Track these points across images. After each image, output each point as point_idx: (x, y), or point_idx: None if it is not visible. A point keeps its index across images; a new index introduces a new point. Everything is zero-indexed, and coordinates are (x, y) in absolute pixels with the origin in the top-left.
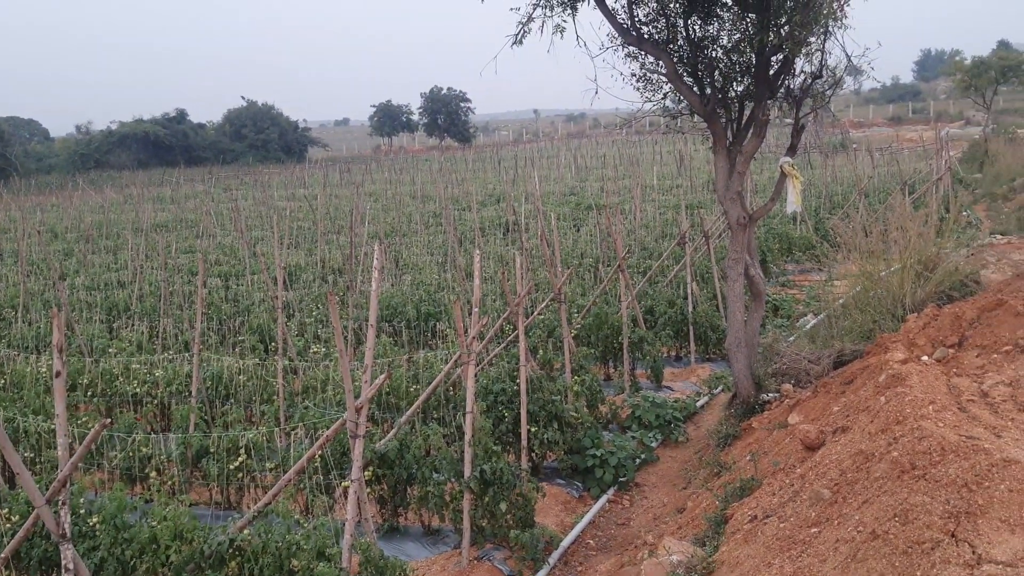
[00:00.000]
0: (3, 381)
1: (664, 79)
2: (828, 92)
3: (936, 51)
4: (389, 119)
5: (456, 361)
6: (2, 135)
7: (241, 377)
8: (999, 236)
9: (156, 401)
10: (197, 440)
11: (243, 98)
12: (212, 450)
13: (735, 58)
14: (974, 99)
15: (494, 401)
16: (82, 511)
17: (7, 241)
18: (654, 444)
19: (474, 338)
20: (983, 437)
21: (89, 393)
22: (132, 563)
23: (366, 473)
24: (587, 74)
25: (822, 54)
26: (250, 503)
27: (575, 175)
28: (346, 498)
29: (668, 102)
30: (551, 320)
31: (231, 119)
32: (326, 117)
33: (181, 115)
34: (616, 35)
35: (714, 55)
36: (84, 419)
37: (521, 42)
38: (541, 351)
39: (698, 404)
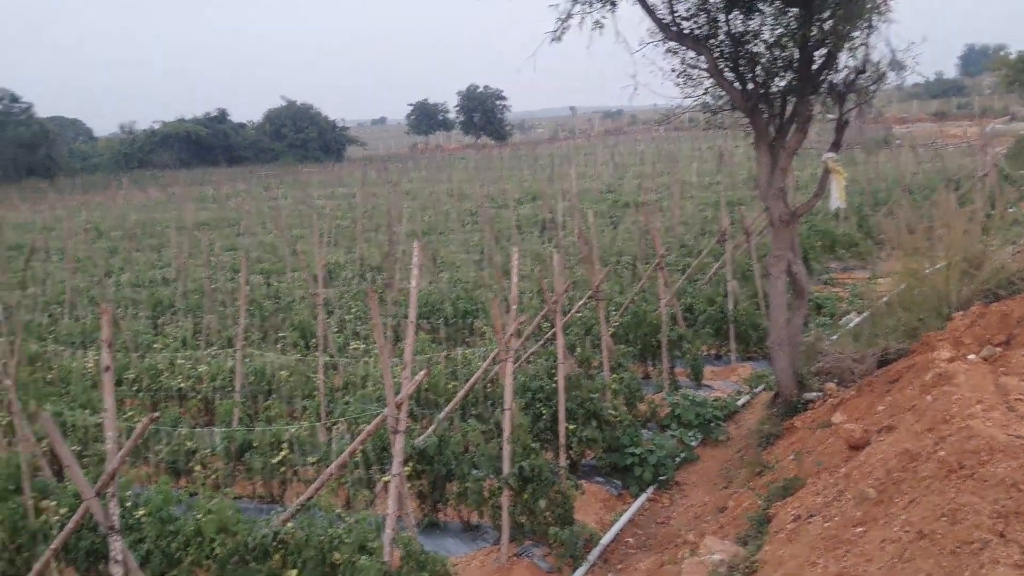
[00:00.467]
0: (51, 376)
1: (705, 74)
2: (871, 87)
3: (980, 46)
4: (426, 118)
5: (494, 358)
6: (48, 135)
7: (283, 373)
8: None
9: (200, 396)
10: (241, 434)
11: (283, 98)
12: (255, 444)
13: (777, 53)
14: (1020, 94)
15: (532, 398)
16: (129, 504)
17: (54, 239)
18: (694, 443)
19: (512, 335)
20: None
21: (135, 388)
22: (178, 555)
23: (406, 469)
24: (626, 70)
25: (866, 49)
26: (293, 497)
27: (612, 172)
28: (387, 493)
29: (709, 98)
30: (589, 318)
31: (271, 119)
32: (364, 116)
33: (222, 115)
34: (656, 30)
35: (756, 50)
36: (130, 413)
37: (560, 39)
38: (579, 349)
39: (739, 403)
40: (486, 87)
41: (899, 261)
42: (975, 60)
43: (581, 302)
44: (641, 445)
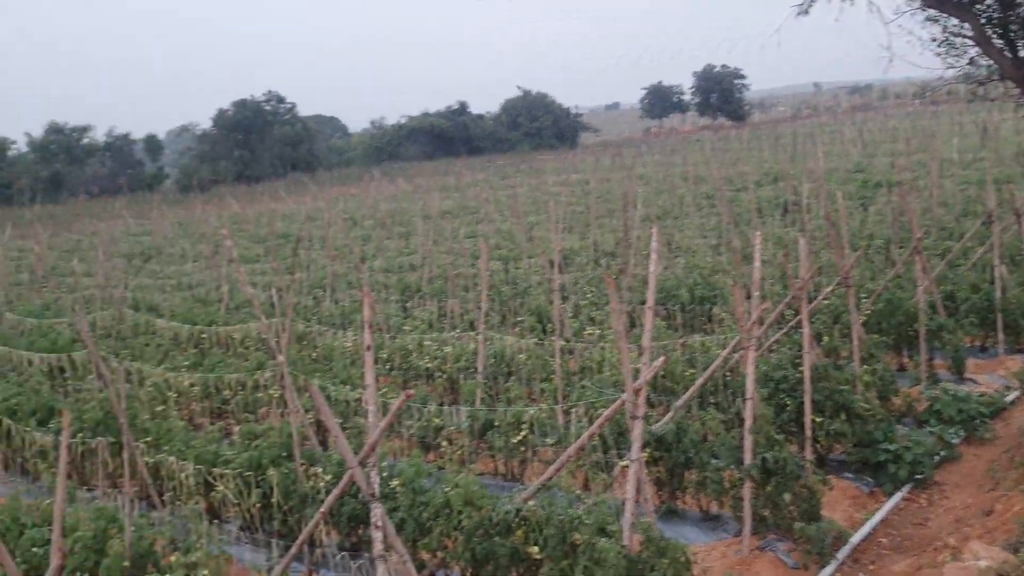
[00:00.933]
0: (315, 354)
1: (969, 42)
2: None
3: None
4: (660, 100)
5: (735, 346)
6: (309, 132)
7: (521, 356)
8: None
9: (446, 376)
10: (483, 414)
11: (519, 88)
12: (497, 424)
13: None
14: None
15: (775, 388)
16: (384, 474)
17: (315, 229)
18: (955, 440)
19: (754, 323)
20: None
21: (388, 366)
22: (428, 525)
23: (643, 454)
24: (878, 42)
25: None
26: (532, 476)
27: (861, 150)
28: (625, 477)
29: (973, 68)
30: (837, 306)
31: (507, 109)
32: (597, 102)
33: (462, 107)
34: None
35: None
36: (384, 390)
37: (807, 12)
38: (826, 338)
39: (1007, 399)
40: (723, 66)
41: None
42: None
43: (828, 289)
44: (896, 441)
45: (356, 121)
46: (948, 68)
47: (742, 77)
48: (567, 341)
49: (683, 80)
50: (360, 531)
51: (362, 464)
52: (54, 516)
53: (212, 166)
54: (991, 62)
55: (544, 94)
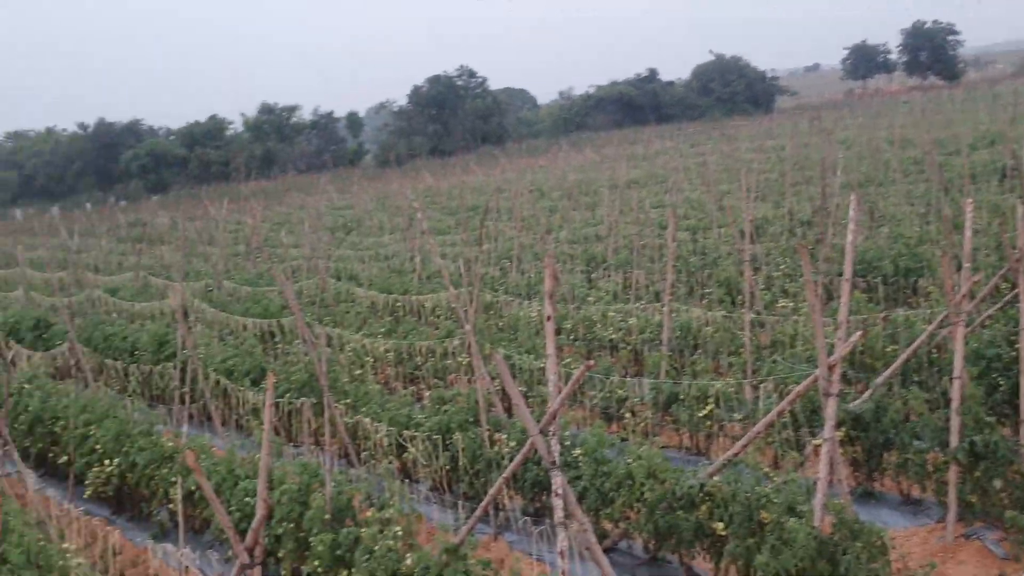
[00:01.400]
0: (501, 323)
1: None
2: None
3: None
4: (864, 60)
5: (942, 322)
6: (499, 105)
7: (708, 328)
8: None
9: (630, 347)
10: (668, 387)
11: (711, 53)
12: (682, 397)
13: None
14: None
15: (987, 367)
16: (567, 443)
17: (503, 200)
18: None
19: (964, 296)
20: None
21: (571, 337)
22: (610, 495)
23: (838, 434)
24: None
25: None
26: (718, 451)
27: None
28: (817, 456)
29: None
30: None
31: (698, 75)
32: (795, 64)
33: (652, 75)
34: None
35: None
36: (567, 360)
37: None
38: None
39: None
40: (935, 22)
41: None
42: None
43: None
44: None
45: (545, 93)
46: None
47: (955, 33)
48: (757, 314)
49: (889, 38)
50: (543, 497)
51: (543, 433)
52: (259, 471)
53: (408, 141)
54: None
55: (738, 58)
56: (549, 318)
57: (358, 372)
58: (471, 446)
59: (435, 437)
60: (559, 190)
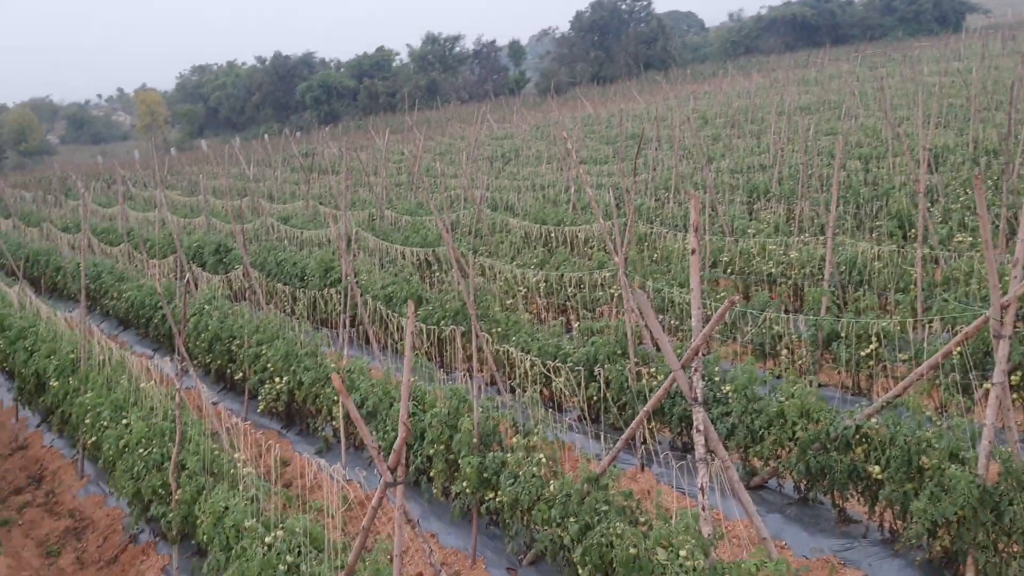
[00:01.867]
0: (655, 255)
1: None
2: None
3: None
4: None
5: None
6: (664, 29)
7: (876, 263)
8: None
9: (790, 282)
10: (828, 323)
11: None
12: (842, 335)
13: None
14: None
15: None
16: (716, 379)
17: (664, 128)
18: None
19: None
20: None
21: (728, 270)
22: (760, 433)
23: (1012, 378)
24: None
25: None
26: (879, 392)
27: None
28: (986, 401)
29: None
30: None
31: None
32: None
33: None
34: None
35: None
36: (722, 294)
37: None
38: None
39: None
40: None
41: None
42: None
43: None
44: None
45: (713, 15)
46: None
47: None
48: (931, 249)
49: None
50: (690, 432)
51: (684, 368)
52: (402, 394)
53: (570, 68)
54: None
55: None
56: (694, 251)
57: (509, 302)
58: (617, 378)
59: (579, 368)
60: (723, 117)
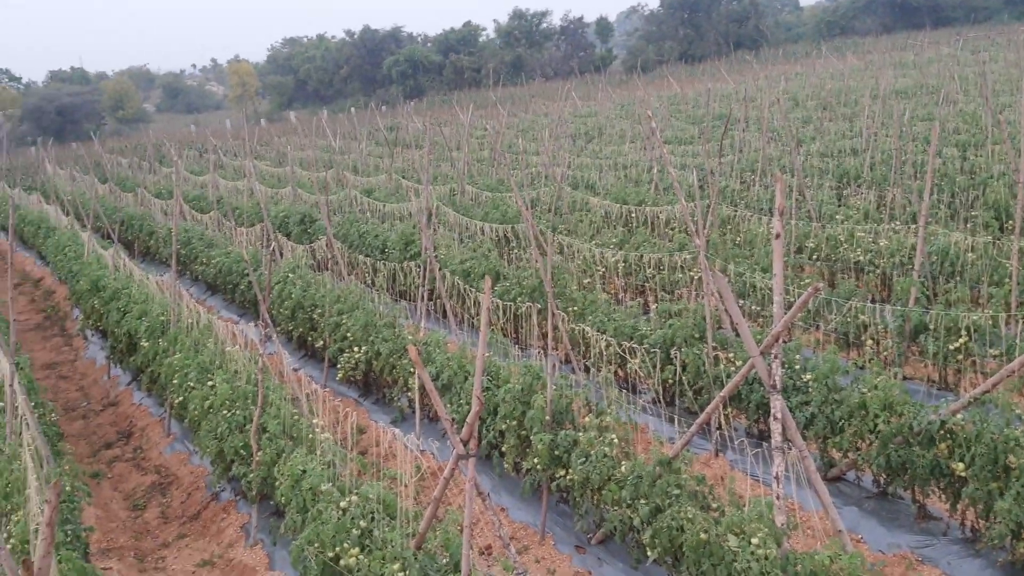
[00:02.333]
0: (738, 239)
1: None
2: None
3: None
4: None
5: None
6: (757, 8)
7: (970, 255)
8: None
9: (878, 271)
10: (916, 315)
11: None
12: (931, 327)
13: None
14: None
15: None
16: (797, 367)
17: (752, 109)
18: None
19: None
20: None
21: (814, 256)
22: (840, 424)
23: None
24: None
25: None
26: (967, 387)
27: None
28: None
29: None
30: None
31: None
32: None
33: None
34: None
35: None
36: (806, 280)
37: None
38: None
39: None
40: None
41: None
42: None
43: None
44: None
45: None
46: None
47: None
48: None
49: None
50: (767, 420)
51: (764, 354)
52: (476, 368)
53: (657, 46)
54: None
55: None
56: (778, 236)
57: (587, 281)
58: (695, 362)
59: (655, 350)
60: (814, 99)
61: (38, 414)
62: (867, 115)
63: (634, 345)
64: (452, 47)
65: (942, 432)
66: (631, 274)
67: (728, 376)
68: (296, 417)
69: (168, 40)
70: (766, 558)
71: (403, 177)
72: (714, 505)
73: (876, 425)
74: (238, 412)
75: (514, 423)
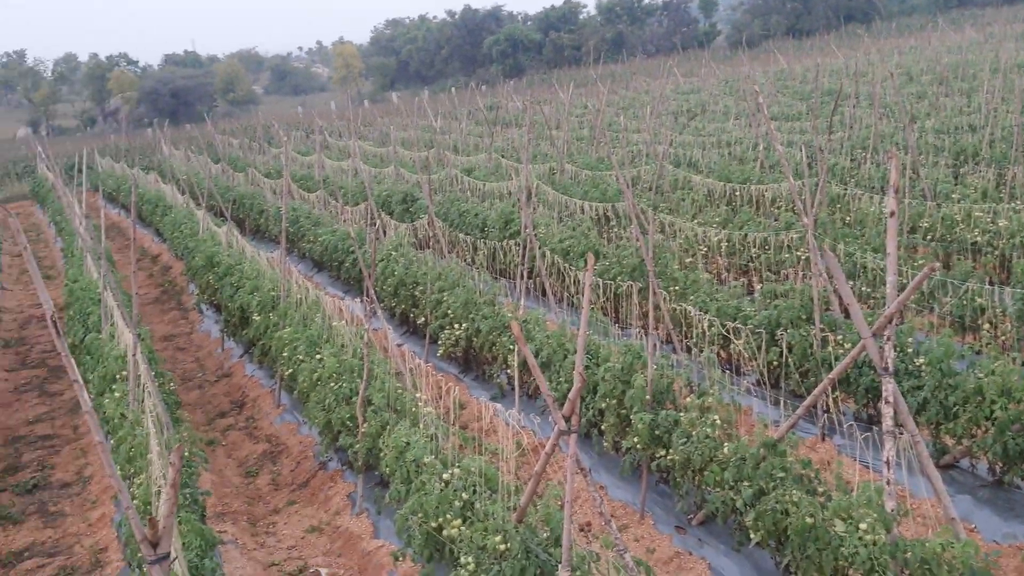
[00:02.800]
0: (848, 218)
1: None
2: None
3: None
4: None
5: None
6: None
7: None
8: None
9: (997, 252)
10: None
11: None
12: None
13: None
14: None
15: None
16: (909, 350)
17: (863, 84)
18: None
19: None
20: None
21: (928, 237)
22: (955, 410)
23: None
24: None
25: None
26: None
27: None
28: None
29: None
30: None
31: None
32: None
33: None
34: None
35: None
36: (920, 261)
37: None
38: None
39: None
40: None
41: None
42: None
43: None
44: None
45: None
46: None
47: None
48: None
49: None
50: (876, 404)
51: (876, 336)
52: (578, 346)
53: (763, 21)
54: None
55: None
56: (892, 214)
57: (689, 260)
58: (801, 344)
59: (760, 331)
60: (930, 74)
61: (159, 383)
62: (987, 90)
63: (738, 326)
64: (552, 25)
65: None
66: (734, 254)
67: (836, 359)
68: (400, 391)
69: (275, 22)
70: (874, 544)
71: (503, 156)
72: (820, 489)
73: (993, 411)
74: (344, 385)
75: (614, 402)
